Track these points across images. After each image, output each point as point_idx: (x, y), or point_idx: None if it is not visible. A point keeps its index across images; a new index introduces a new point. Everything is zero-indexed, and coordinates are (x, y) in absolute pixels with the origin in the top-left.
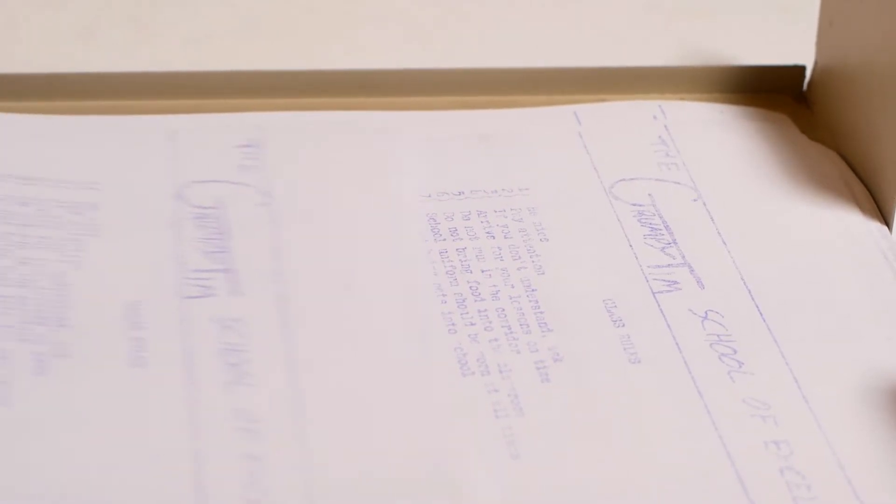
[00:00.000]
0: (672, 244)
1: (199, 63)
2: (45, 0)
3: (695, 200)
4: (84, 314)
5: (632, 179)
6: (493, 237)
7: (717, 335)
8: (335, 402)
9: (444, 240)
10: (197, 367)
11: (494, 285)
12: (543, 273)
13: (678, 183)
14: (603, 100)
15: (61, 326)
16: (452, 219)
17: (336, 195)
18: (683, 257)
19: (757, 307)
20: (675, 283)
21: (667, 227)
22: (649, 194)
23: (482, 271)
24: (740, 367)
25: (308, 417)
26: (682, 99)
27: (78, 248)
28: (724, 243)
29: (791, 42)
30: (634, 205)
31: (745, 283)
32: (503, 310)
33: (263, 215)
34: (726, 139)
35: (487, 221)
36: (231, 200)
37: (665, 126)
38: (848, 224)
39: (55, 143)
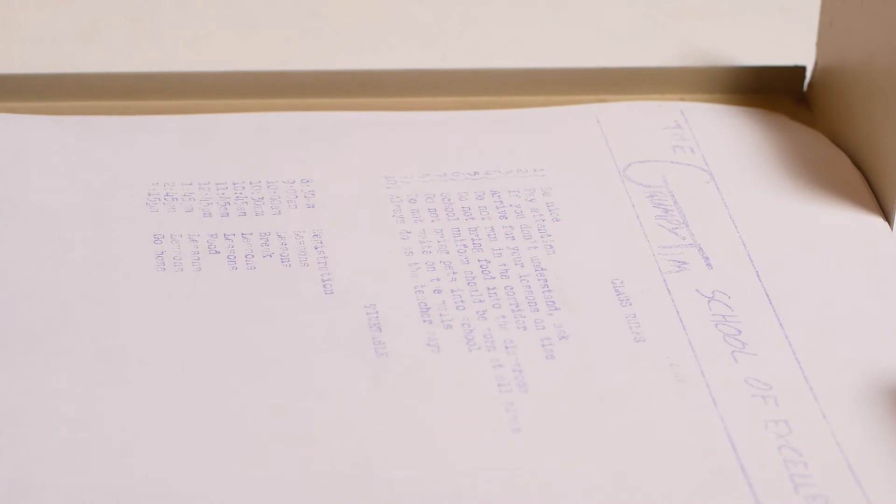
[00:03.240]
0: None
1: (199, 63)
2: (45, 0)
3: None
4: (572, 296)
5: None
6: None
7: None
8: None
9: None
10: (696, 339)
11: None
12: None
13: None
14: (602, 100)
15: (555, 310)
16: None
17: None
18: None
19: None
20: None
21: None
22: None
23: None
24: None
25: (813, 383)
26: (681, 99)
27: (543, 233)
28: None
29: (791, 42)
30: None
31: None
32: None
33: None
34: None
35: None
36: None
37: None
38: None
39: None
